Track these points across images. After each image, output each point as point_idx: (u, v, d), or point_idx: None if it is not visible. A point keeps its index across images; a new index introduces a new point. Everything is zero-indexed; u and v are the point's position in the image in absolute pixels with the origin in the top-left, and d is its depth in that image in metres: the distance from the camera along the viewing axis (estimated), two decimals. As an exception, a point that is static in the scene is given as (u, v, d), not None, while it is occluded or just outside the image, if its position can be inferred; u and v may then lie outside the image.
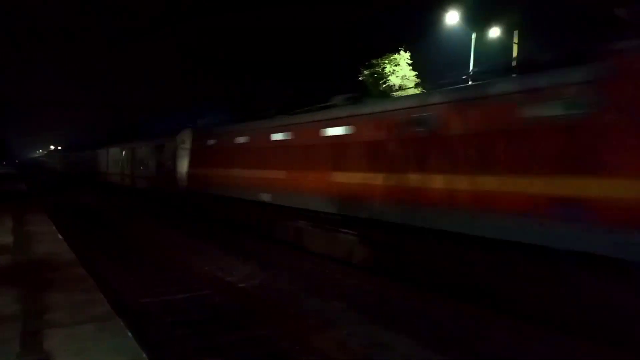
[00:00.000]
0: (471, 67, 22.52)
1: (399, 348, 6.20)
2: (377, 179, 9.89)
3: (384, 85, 25.08)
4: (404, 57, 25.96)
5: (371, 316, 7.36)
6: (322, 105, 12.68)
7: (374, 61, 26.38)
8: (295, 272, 10.25)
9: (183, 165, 20.88)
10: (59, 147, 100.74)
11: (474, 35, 23.21)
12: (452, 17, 22.29)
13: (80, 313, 5.71)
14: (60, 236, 11.56)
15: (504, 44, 23.16)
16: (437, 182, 8.49)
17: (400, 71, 25.66)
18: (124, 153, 32.96)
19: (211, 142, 18.46)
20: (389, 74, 25.71)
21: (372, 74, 26.30)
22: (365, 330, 6.79)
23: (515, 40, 22.25)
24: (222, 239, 14.32)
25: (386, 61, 25.97)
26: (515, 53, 22.14)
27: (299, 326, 6.97)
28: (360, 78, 26.96)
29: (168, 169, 22.95)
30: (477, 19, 24.07)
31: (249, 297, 8.45)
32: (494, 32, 23.06)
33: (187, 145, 20.77)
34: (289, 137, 13.14)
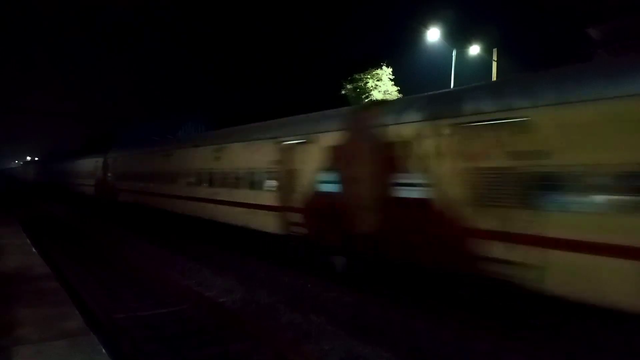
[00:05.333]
0: (452, 83, 22.93)
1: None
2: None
3: (366, 100, 25.25)
4: (386, 72, 26.24)
5: (350, 329, 7.31)
6: None
7: (357, 76, 26.60)
8: (275, 285, 10.14)
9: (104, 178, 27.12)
10: (36, 158, 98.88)
11: (454, 52, 23.62)
12: (434, 34, 22.59)
13: (51, 328, 5.55)
14: (34, 249, 11.28)
15: (484, 61, 23.65)
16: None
17: (383, 86, 25.93)
18: (77, 166, 34.67)
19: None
20: (371, 88, 25.95)
21: (354, 89, 26.52)
22: (344, 344, 6.73)
23: (495, 57, 22.71)
24: (195, 251, 14.03)
25: (369, 76, 26.21)
26: (494, 70, 22.60)
27: (278, 340, 6.88)
28: (343, 92, 27.14)
29: (100, 181, 27.61)
30: (458, 36, 24.56)
31: (226, 312, 8.32)
32: (474, 50, 23.49)
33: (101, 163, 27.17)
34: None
